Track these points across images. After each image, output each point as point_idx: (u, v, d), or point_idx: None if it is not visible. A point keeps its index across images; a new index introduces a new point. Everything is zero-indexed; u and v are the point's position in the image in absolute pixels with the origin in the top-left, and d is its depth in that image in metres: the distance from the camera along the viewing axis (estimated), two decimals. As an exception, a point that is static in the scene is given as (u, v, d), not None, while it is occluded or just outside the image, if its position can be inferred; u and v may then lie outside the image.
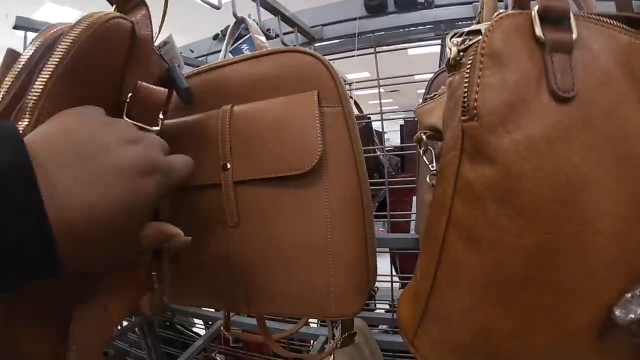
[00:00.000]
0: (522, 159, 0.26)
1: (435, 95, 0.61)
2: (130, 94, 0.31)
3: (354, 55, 1.01)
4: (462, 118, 0.29)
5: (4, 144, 0.20)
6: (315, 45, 1.04)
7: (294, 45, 0.96)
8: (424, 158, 0.53)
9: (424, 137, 0.53)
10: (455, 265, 0.30)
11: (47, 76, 0.27)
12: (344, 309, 0.40)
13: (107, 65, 0.30)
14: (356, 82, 1.12)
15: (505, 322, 0.29)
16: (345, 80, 1.39)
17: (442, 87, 0.62)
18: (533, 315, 0.28)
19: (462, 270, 0.30)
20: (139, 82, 0.31)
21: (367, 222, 0.41)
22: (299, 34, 0.96)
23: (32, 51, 0.30)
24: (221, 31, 1.21)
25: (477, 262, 0.29)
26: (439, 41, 0.97)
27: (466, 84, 0.29)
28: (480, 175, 0.28)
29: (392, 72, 1.01)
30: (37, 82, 0.27)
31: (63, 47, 0.27)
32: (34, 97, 0.26)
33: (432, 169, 0.52)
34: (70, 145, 0.23)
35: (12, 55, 0.31)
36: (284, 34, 0.89)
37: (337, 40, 1.05)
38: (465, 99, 0.29)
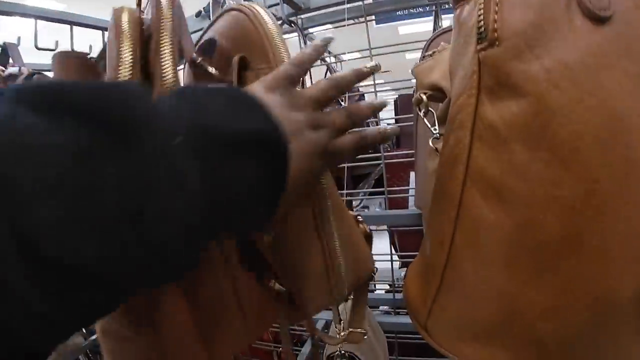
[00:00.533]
0: (557, 89, 0.21)
1: (434, 52, 0.56)
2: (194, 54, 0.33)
3: (344, 25, 0.95)
4: (479, 47, 0.24)
5: (255, 112, 0.25)
6: (303, 16, 0.98)
7: (280, 18, 0.90)
8: (425, 121, 0.48)
9: (424, 97, 0.48)
10: (477, 226, 0.25)
11: (170, 54, 0.29)
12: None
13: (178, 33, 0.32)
14: (348, 53, 1.06)
15: (538, 296, 0.24)
16: (335, 57, 1.33)
17: (442, 43, 0.56)
18: (571, 285, 0.23)
19: (485, 232, 0.25)
20: (209, 37, 0.33)
21: (318, 217, 0.34)
22: (285, 5, 0.89)
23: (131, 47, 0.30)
24: (204, 8, 1.15)
25: (504, 222, 0.24)
26: (431, 17, 0.91)
27: (481, 7, 0.24)
28: (506, 112, 0.23)
29: (383, 52, 0.95)
30: (163, 63, 0.28)
31: (165, 23, 0.30)
32: (170, 77, 0.28)
33: (434, 132, 0.47)
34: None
35: (72, 57, 0.35)
36: (269, 6, 0.83)
37: (326, 10, 0.98)
38: (482, 23, 0.23)
